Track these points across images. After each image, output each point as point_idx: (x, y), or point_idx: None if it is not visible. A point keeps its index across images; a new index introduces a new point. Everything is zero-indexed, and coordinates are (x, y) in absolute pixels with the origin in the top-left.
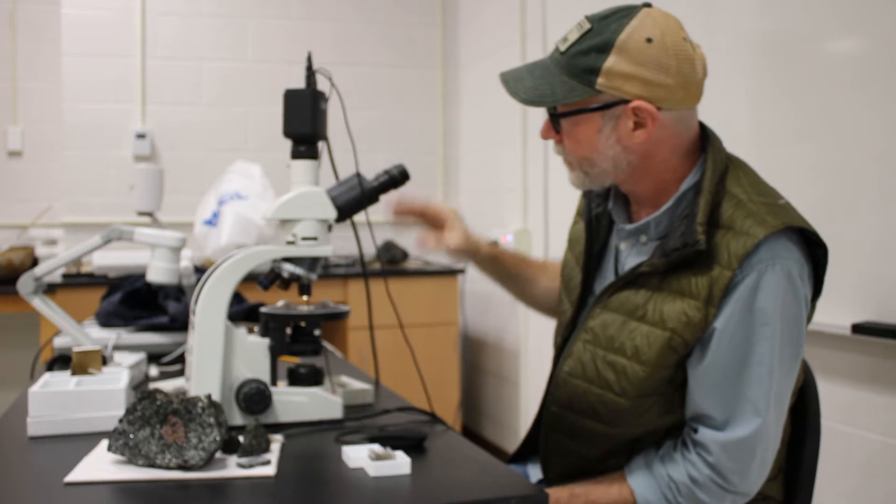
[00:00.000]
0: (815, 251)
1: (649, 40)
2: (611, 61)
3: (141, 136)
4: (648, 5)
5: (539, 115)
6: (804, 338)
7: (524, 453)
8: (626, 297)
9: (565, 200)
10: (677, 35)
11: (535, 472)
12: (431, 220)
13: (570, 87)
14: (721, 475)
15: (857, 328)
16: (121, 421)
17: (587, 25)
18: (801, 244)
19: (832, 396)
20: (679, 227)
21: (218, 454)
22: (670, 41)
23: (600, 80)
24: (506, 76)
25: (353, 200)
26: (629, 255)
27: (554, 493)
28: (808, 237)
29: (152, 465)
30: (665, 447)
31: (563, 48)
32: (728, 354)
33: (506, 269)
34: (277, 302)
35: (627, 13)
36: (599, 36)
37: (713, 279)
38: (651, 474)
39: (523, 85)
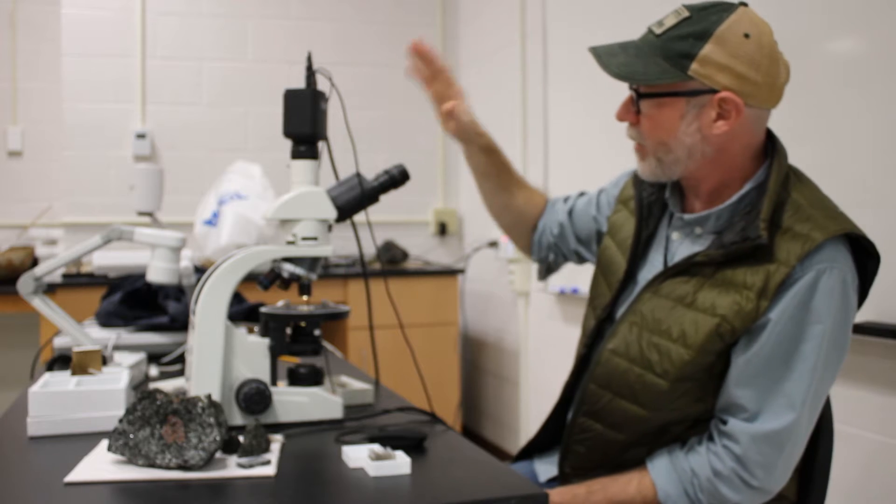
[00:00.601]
0: (864, 262)
1: (747, 35)
2: (707, 49)
3: (141, 136)
4: (745, 4)
5: (540, 116)
6: (848, 345)
7: (530, 451)
8: (677, 285)
9: None
10: (771, 37)
11: (543, 470)
12: (440, 87)
13: (662, 69)
14: (746, 468)
15: (857, 328)
16: (121, 421)
17: (686, 13)
18: (852, 253)
19: (834, 397)
20: (739, 223)
21: (218, 454)
22: (766, 41)
23: (694, 66)
24: (598, 50)
25: (353, 200)
26: (681, 244)
27: (571, 489)
28: (861, 247)
29: (152, 465)
30: (690, 442)
31: (658, 31)
32: (775, 347)
33: (494, 165)
34: (277, 302)
35: (727, 7)
36: (699, 24)
37: (769, 273)
38: (674, 468)
39: (616, 60)
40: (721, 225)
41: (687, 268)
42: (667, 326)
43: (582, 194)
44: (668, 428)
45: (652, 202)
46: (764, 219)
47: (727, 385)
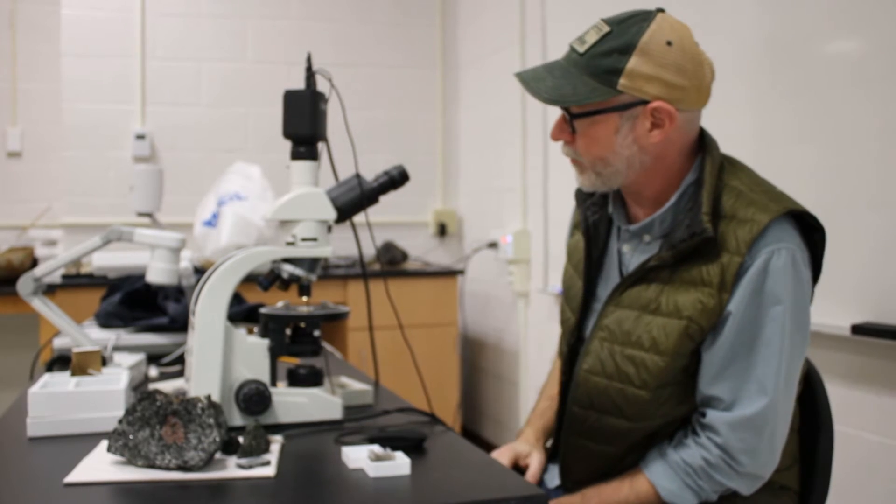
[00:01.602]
0: (811, 236)
1: (669, 43)
2: (633, 62)
3: (140, 136)
4: (662, 10)
5: (539, 116)
6: (810, 322)
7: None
8: (638, 293)
9: (565, 201)
10: (691, 40)
11: (550, 477)
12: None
13: (591, 88)
14: (730, 455)
15: (857, 329)
16: (120, 422)
17: (606, 28)
18: (799, 230)
19: (831, 397)
20: (683, 221)
21: (218, 455)
22: (687, 45)
23: (622, 81)
24: (524, 76)
25: (352, 201)
26: (633, 256)
27: (566, 500)
28: (806, 223)
29: (152, 466)
30: (677, 436)
31: (581, 49)
32: (737, 337)
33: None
34: (277, 303)
35: (645, 17)
36: (621, 38)
37: (724, 266)
38: (667, 464)
39: (545, 85)
40: (667, 227)
41: (643, 274)
42: (637, 337)
43: None
44: (657, 433)
45: (597, 220)
46: (706, 212)
47: (700, 381)
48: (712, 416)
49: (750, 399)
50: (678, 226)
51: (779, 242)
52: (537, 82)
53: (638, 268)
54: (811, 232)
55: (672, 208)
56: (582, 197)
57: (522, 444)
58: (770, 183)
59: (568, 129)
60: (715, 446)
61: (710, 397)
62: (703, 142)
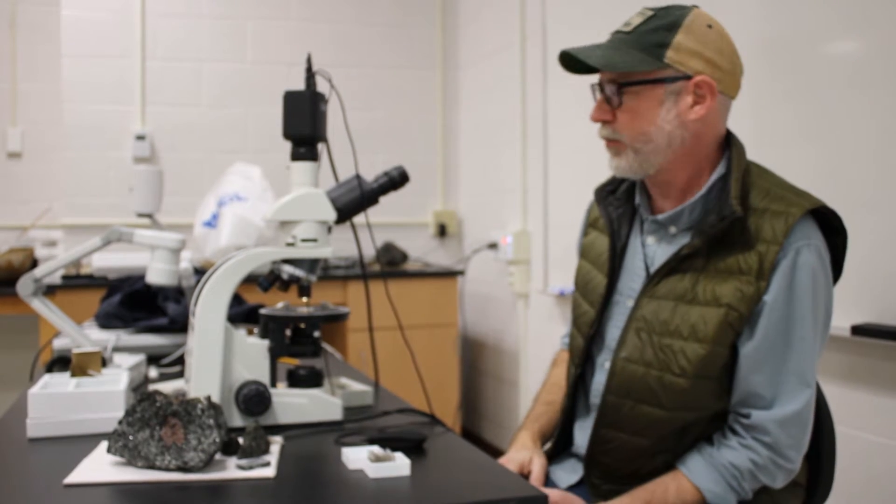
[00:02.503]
0: (833, 239)
1: (710, 26)
2: (679, 37)
3: (140, 137)
4: (697, 7)
5: (539, 117)
6: (832, 315)
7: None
8: (673, 284)
9: (565, 202)
10: (725, 30)
11: (562, 477)
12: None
13: (640, 59)
14: (780, 454)
15: (857, 330)
16: (120, 422)
17: (650, 12)
18: (821, 231)
19: (831, 398)
20: (713, 210)
21: (217, 456)
22: (724, 32)
23: (669, 54)
24: (572, 50)
25: (352, 202)
26: (658, 247)
27: (615, 502)
28: (830, 225)
29: (152, 467)
30: (716, 439)
31: (627, 30)
32: (774, 329)
33: (552, 426)
34: (277, 303)
35: (684, 7)
36: (665, 18)
37: (762, 254)
38: (712, 466)
39: (595, 53)
40: (695, 219)
41: (676, 264)
42: (675, 326)
43: None
44: (689, 428)
45: (620, 215)
46: (735, 196)
47: (739, 377)
48: (758, 416)
49: (794, 394)
50: (708, 215)
51: (807, 238)
52: (587, 52)
53: (671, 258)
54: (833, 235)
55: (702, 199)
56: (603, 194)
57: (521, 452)
58: (791, 184)
59: (608, 109)
60: (763, 447)
61: (750, 393)
62: (729, 140)
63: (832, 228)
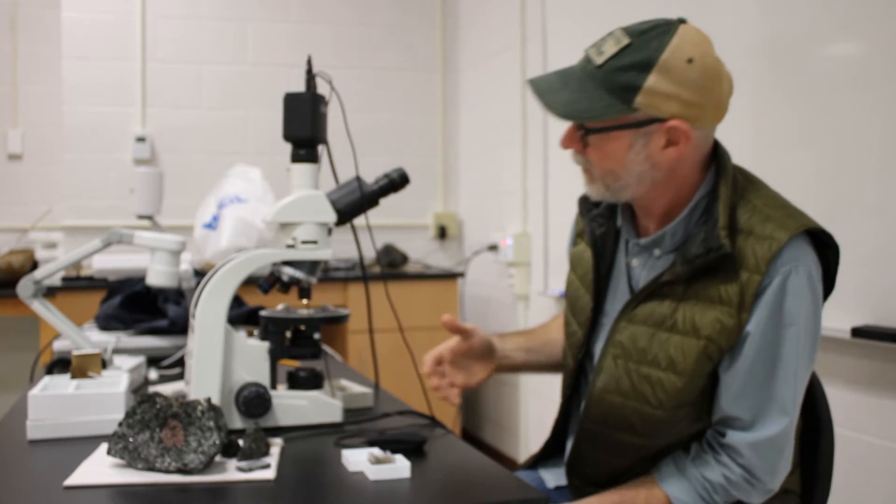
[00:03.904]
0: (825, 252)
1: (690, 60)
2: (652, 80)
3: (141, 139)
4: (684, 21)
5: (539, 119)
6: (820, 337)
7: (533, 460)
8: (652, 309)
9: (565, 204)
10: (713, 54)
11: (550, 478)
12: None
13: (607, 104)
14: (753, 475)
15: (857, 332)
16: (120, 424)
17: (626, 40)
18: (814, 246)
19: (832, 400)
20: (698, 234)
21: (217, 458)
22: (709, 62)
23: (639, 99)
24: (538, 86)
25: (352, 204)
26: (643, 270)
27: (584, 502)
28: (821, 239)
29: (152, 469)
30: (694, 450)
31: (599, 61)
32: (758, 357)
33: (521, 349)
34: (277, 305)
35: (666, 29)
36: (640, 52)
37: (743, 284)
38: (685, 477)
39: (559, 98)
40: (678, 241)
41: (657, 289)
42: (653, 356)
43: None
44: (667, 449)
45: (604, 234)
46: (723, 226)
47: (719, 401)
48: (733, 436)
49: (772, 419)
50: (692, 239)
51: (796, 260)
52: (551, 95)
53: (651, 282)
54: (825, 248)
55: (684, 221)
56: (586, 207)
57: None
58: (782, 197)
59: (579, 140)
60: (738, 466)
61: (729, 416)
62: (715, 152)
63: (823, 243)
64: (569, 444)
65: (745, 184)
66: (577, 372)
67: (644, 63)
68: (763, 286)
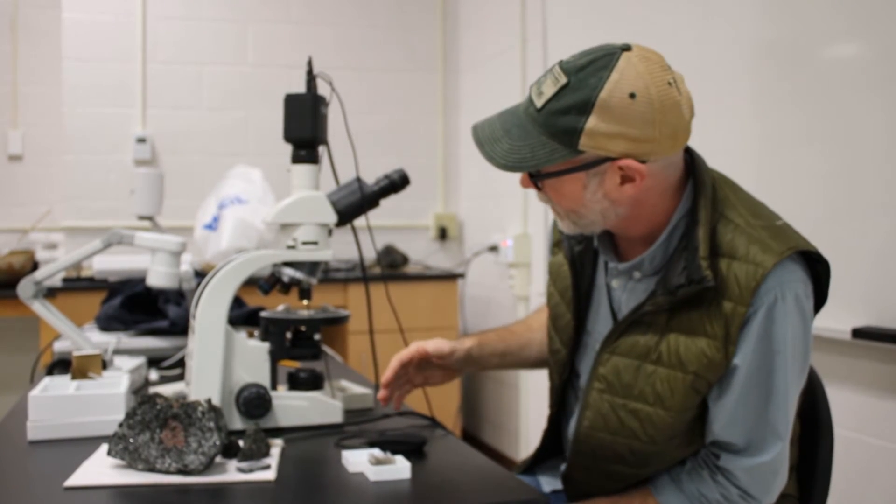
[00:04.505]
0: (815, 266)
1: (632, 95)
2: (592, 122)
3: (141, 140)
4: (628, 48)
5: None
6: (811, 352)
7: (530, 464)
8: (635, 340)
9: None
10: (661, 81)
11: (547, 482)
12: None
13: (551, 150)
14: (749, 495)
15: (858, 333)
16: (121, 425)
17: (563, 79)
18: (802, 262)
19: (832, 401)
20: (679, 262)
21: (218, 459)
22: (655, 92)
23: (583, 141)
24: (479, 135)
25: (353, 205)
26: (623, 291)
27: None
28: (809, 254)
29: (152, 470)
30: (690, 464)
31: (539, 104)
32: (749, 388)
33: (496, 355)
34: (277, 306)
35: (606, 63)
36: (578, 92)
37: (728, 317)
38: (681, 491)
39: (500, 148)
40: (658, 264)
41: (638, 318)
42: (639, 390)
43: None
44: (659, 472)
45: (581, 252)
46: (703, 256)
47: (710, 428)
48: (727, 460)
49: (766, 445)
50: (673, 267)
51: (781, 286)
52: (493, 144)
53: (631, 313)
54: (814, 263)
55: (662, 245)
56: None
57: (441, 342)
58: (767, 208)
59: (534, 183)
60: (735, 487)
61: (722, 442)
62: (692, 167)
63: (812, 257)
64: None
65: (724, 196)
66: (561, 392)
67: (582, 105)
68: (748, 316)
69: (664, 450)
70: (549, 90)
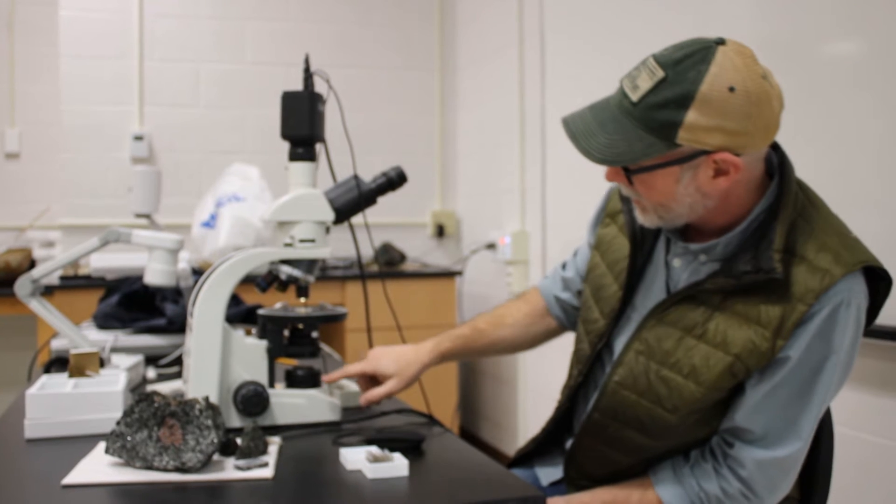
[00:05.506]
0: (877, 284)
1: (732, 89)
2: (692, 115)
3: (139, 138)
4: (722, 41)
5: (537, 118)
6: (853, 366)
7: (528, 456)
8: (684, 312)
9: (563, 202)
10: (756, 74)
11: (546, 473)
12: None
13: (648, 143)
14: (752, 490)
15: None
16: (118, 423)
17: (660, 73)
18: (867, 280)
19: (833, 399)
20: (749, 250)
21: (215, 456)
22: (752, 86)
23: (681, 134)
24: (572, 128)
25: (350, 202)
26: (684, 271)
27: (576, 498)
28: (875, 271)
29: (150, 468)
30: (693, 457)
31: (635, 98)
32: (790, 380)
33: (457, 358)
34: (275, 304)
35: (703, 56)
36: (678, 86)
37: (786, 311)
38: (680, 484)
39: (596, 142)
40: (729, 251)
41: (694, 294)
42: (675, 360)
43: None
44: (671, 452)
45: (643, 227)
46: (777, 249)
47: (736, 412)
48: (740, 449)
49: (785, 441)
50: (743, 253)
51: (849, 293)
52: (588, 138)
53: (689, 286)
54: (878, 280)
55: (740, 233)
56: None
57: (400, 362)
58: (841, 221)
59: (624, 176)
60: (737, 479)
61: (741, 428)
62: (779, 161)
63: (877, 275)
64: (570, 439)
65: (805, 202)
66: (592, 359)
67: (682, 98)
68: (810, 313)
69: (682, 423)
70: (646, 84)
